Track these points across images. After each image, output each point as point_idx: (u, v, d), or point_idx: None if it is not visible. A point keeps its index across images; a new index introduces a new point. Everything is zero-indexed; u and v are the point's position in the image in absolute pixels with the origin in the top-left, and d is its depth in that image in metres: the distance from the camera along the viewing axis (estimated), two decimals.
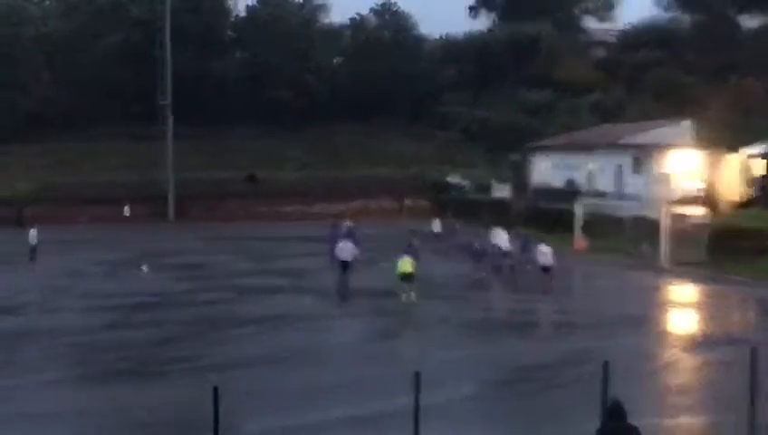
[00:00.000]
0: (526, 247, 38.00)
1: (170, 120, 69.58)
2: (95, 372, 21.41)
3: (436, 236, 49.02)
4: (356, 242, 35.51)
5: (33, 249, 40.84)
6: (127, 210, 65.08)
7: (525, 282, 36.30)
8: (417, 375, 13.04)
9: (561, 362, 22.28)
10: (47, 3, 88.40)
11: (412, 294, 29.70)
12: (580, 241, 46.44)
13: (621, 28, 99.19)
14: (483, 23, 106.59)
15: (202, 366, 21.86)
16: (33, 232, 41.38)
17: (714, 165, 55.87)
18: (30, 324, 27.26)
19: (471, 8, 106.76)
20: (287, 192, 69.20)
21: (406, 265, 29.90)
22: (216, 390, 11.56)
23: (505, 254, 37.83)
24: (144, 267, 39.70)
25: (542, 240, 35.88)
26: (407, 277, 29.76)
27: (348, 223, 43.27)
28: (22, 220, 58.52)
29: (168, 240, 54.31)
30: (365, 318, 28.66)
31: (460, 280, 37.01)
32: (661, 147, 56.07)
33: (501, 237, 38.34)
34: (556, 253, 34.89)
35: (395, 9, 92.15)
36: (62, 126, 74.10)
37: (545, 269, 33.60)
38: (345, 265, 32.28)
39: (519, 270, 37.19)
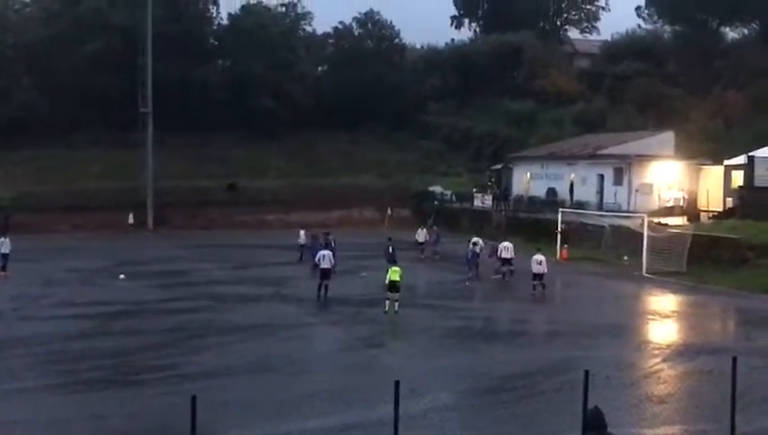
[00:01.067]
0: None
1: (150, 128, 69.16)
2: (70, 381, 21.09)
3: (420, 244, 48.93)
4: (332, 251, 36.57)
5: (5, 257, 40.00)
6: (131, 218, 64.89)
7: (511, 290, 36.46)
8: (397, 384, 12.87)
9: (541, 370, 22.18)
10: (28, 10, 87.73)
11: (396, 304, 29.65)
12: (563, 251, 46.41)
13: (604, 39, 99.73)
14: (465, 33, 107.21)
15: (180, 375, 21.62)
16: (2, 240, 40.45)
17: (694, 176, 56.17)
18: (4, 333, 26.85)
19: (454, 18, 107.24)
20: (268, 201, 68.92)
21: (394, 274, 30.00)
22: (194, 399, 11.33)
23: (507, 261, 38.36)
24: (122, 276, 39.34)
25: (538, 249, 36.28)
26: (393, 286, 29.78)
27: (324, 233, 43.62)
28: (8, 228, 57.97)
29: (148, 248, 53.94)
30: (346, 327, 28.51)
31: (441, 288, 36.95)
32: (642, 158, 56.27)
33: (506, 247, 38.85)
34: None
35: (378, 18, 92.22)
36: (42, 133, 73.46)
37: (538, 277, 34.45)
38: (325, 273, 32.86)
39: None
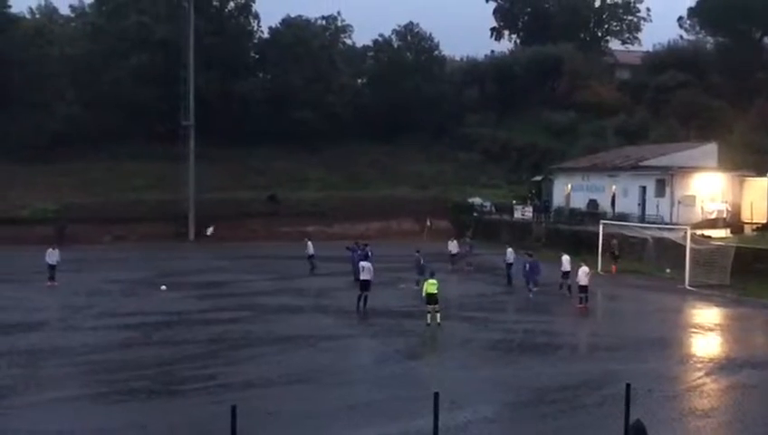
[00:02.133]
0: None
1: (192, 141, 69.86)
2: (112, 390, 21.30)
3: (453, 256, 48.77)
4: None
5: (52, 268, 40.68)
6: (210, 231, 65.72)
7: (550, 303, 36.28)
8: (437, 396, 12.86)
9: (583, 384, 21.98)
10: (73, 24, 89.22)
11: (437, 316, 29.70)
12: (613, 266, 45.62)
13: (646, 50, 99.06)
14: (505, 44, 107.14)
15: (221, 385, 21.75)
16: (50, 251, 41.19)
17: (738, 188, 55.47)
18: (48, 342, 27.21)
19: (493, 30, 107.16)
20: (308, 212, 69.20)
21: (431, 286, 30.06)
22: (233, 408, 11.42)
23: (565, 274, 38.14)
24: (163, 287, 39.68)
25: (584, 261, 36.17)
26: (431, 298, 29.83)
27: (362, 244, 43.89)
28: (63, 238, 59.08)
29: (189, 259, 54.40)
30: (385, 338, 28.47)
31: (479, 300, 36.85)
32: (685, 169, 55.71)
33: (565, 259, 38.66)
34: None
35: (417, 30, 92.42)
36: (85, 146, 74.53)
37: (583, 289, 34.39)
38: (365, 285, 33.05)
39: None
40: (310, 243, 47.58)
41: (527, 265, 38.69)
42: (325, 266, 46.29)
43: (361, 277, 33.41)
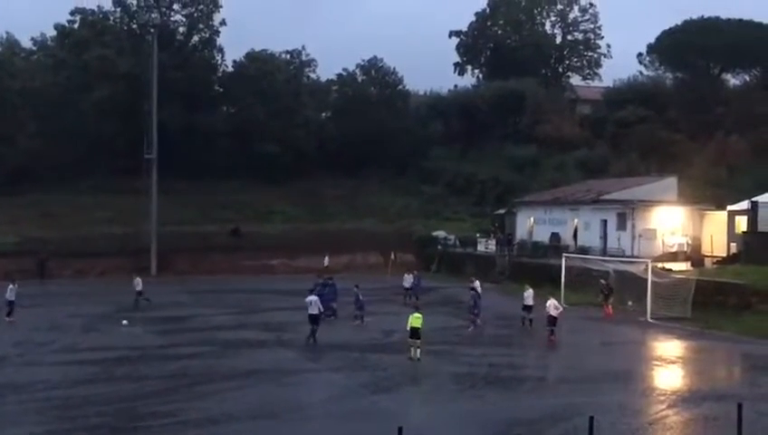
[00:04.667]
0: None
1: (155, 174, 69.35)
2: (73, 427, 20.98)
3: (407, 290, 48.68)
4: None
5: (10, 304, 39.97)
6: (326, 261, 63.79)
7: (513, 336, 36.39)
8: (400, 430, 12.82)
9: (546, 417, 22.00)
10: (34, 57, 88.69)
11: (418, 351, 29.74)
12: (607, 308, 42.98)
13: (606, 86, 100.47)
14: (468, 79, 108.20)
15: (182, 421, 21.49)
16: (10, 287, 40.52)
17: (698, 221, 56.19)
18: (7, 378, 26.75)
19: (457, 65, 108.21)
20: (272, 246, 68.90)
21: (415, 320, 30.09)
22: None
23: (527, 308, 38.18)
24: (125, 321, 39.24)
25: (551, 294, 36.53)
26: (415, 332, 29.88)
27: (324, 278, 43.57)
28: (44, 272, 58.50)
29: (151, 294, 53.87)
30: (349, 372, 28.34)
31: (443, 333, 36.81)
32: (646, 203, 56.37)
33: (528, 293, 38.66)
34: (541, 307, 35.21)
35: (381, 65, 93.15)
36: (47, 179, 73.90)
37: (551, 320, 34.68)
38: (312, 319, 33.46)
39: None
40: (138, 279, 46.60)
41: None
42: (287, 300, 46.03)
43: (309, 312, 33.54)
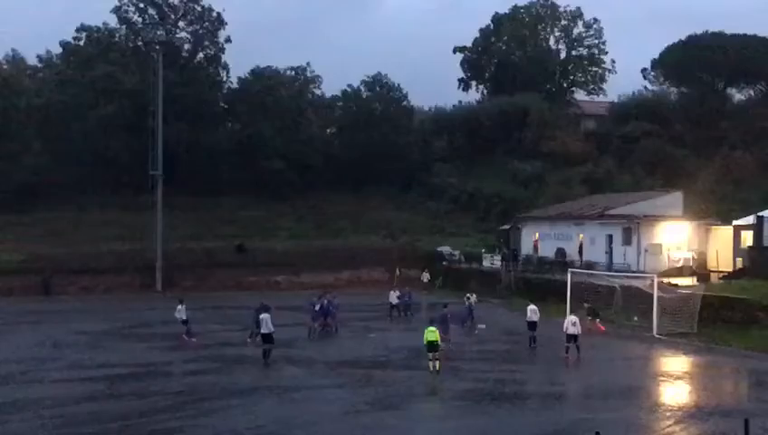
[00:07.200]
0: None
1: (160, 191, 69.43)
2: None
3: (393, 307, 48.60)
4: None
5: (185, 322, 39.53)
6: (425, 276, 64.36)
7: (518, 353, 36.26)
8: None
9: (553, 433, 21.94)
10: (40, 75, 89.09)
11: (437, 363, 29.89)
12: (597, 324, 42.48)
13: (611, 101, 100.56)
14: (473, 95, 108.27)
15: None
16: (179, 307, 40.17)
17: (704, 236, 56.07)
18: (12, 396, 26.75)
19: (461, 80, 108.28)
20: (277, 262, 68.89)
21: (429, 334, 30.19)
22: None
23: (531, 325, 37.83)
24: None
25: (573, 310, 36.34)
26: (431, 346, 30.00)
27: (322, 295, 43.67)
28: (50, 289, 58.58)
29: (156, 310, 53.86)
30: (354, 389, 28.30)
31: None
32: (651, 218, 56.28)
33: (532, 309, 38.15)
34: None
35: (386, 81, 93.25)
36: (53, 196, 74.09)
37: (572, 338, 34.19)
38: (265, 338, 33.28)
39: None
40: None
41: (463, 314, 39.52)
42: (292, 317, 45.98)
43: (261, 331, 33.36)
